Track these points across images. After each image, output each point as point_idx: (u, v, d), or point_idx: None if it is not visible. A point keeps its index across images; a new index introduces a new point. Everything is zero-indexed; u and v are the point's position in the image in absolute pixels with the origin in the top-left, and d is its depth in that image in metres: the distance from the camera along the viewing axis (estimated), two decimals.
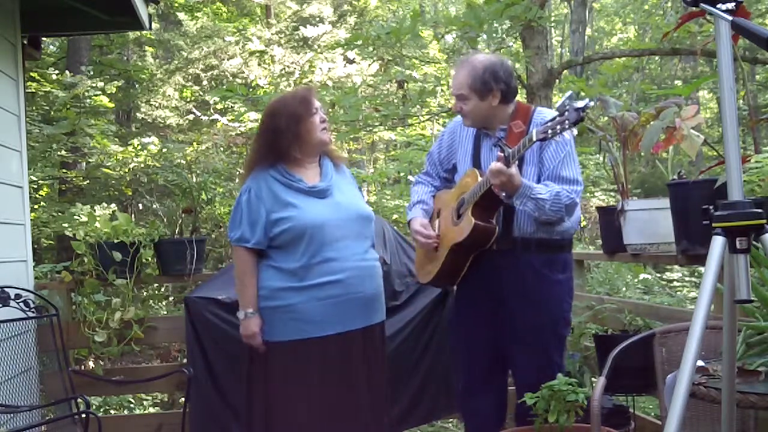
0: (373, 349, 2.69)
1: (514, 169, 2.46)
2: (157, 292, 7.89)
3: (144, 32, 6.93)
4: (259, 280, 2.63)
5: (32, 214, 5.68)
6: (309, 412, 2.56)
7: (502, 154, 2.47)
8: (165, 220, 8.40)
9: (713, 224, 1.50)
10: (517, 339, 2.68)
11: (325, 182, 2.69)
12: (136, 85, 10.68)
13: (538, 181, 2.62)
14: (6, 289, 3.14)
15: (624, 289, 7.77)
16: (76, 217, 5.92)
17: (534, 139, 2.39)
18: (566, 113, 2.30)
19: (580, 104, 2.28)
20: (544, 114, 2.73)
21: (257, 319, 2.61)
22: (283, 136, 2.63)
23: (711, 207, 1.52)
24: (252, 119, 8.47)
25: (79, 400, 2.86)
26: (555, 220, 2.61)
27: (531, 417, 2.43)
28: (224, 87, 8.82)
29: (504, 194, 2.56)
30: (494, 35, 7.01)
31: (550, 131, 2.35)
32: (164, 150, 8.44)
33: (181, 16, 10.10)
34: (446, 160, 2.92)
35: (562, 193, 2.58)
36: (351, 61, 9.87)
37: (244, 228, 2.62)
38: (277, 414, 2.58)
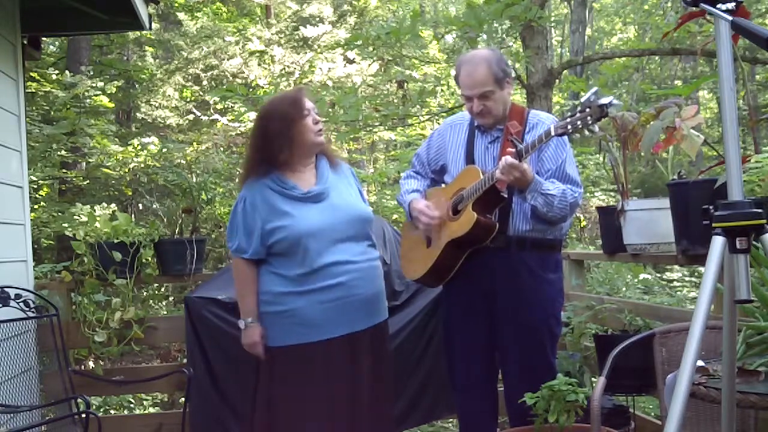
0: (378, 348, 2.67)
1: (526, 165, 2.47)
2: (157, 292, 7.89)
3: (144, 32, 6.92)
4: (261, 285, 2.61)
5: (32, 214, 5.68)
6: (315, 416, 2.54)
7: (513, 150, 2.47)
8: (165, 220, 8.40)
9: (713, 224, 1.49)
10: (512, 338, 2.68)
11: (321, 185, 2.65)
12: (136, 85, 10.67)
13: None
14: (6, 289, 3.14)
15: (624, 289, 7.77)
16: (76, 217, 5.91)
17: (553, 133, 2.38)
18: (589, 109, 2.29)
19: (604, 100, 2.26)
20: (539, 116, 2.76)
21: (258, 328, 2.60)
22: (274, 141, 2.58)
23: (711, 207, 1.52)
24: (252, 119, 8.46)
25: (79, 400, 2.86)
26: (558, 218, 2.62)
27: (527, 416, 2.43)
28: (224, 87, 8.82)
29: (507, 190, 2.57)
30: (494, 35, 7.02)
31: (570, 126, 2.33)
32: (164, 150, 8.44)
33: (181, 16, 10.08)
34: (434, 161, 2.92)
35: (567, 192, 2.60)
36: (351, 61, 9.86)
37: (240, 238, 2.60)
38: (282, 418, 2.56)
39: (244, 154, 3.23)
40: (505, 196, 2.60)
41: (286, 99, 2.70)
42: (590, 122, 2.29)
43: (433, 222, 2.74)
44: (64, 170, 8.73)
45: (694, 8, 1.53)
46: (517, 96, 9.12)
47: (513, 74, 2.76)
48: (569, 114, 2.36)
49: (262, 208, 2.59)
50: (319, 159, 2.73)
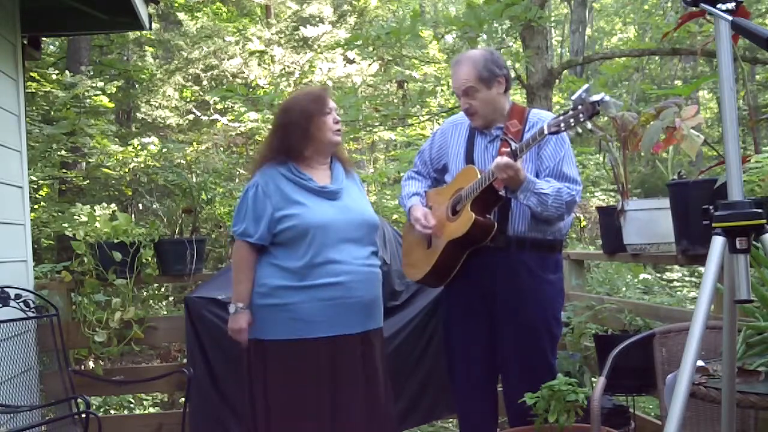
0: (371, 354, 2.67)
1: (520, 164, 2.47)
2: (157, 292, 7.89)
3: (144, 32, 6.92)
4: (260, 277, 2.62)
5: (32, 214, 5.67)
6: (306, 412, 2.55)
7: (508, 149, 2.47)
8: (165, 220, 8.40)
9: (713, 224, 1.49)
10: (511, 338, 2.68)
11: (336, 185, 2.69)
12: (136, 85, 10.67)
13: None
14: (6, 289, 3.14)
15: (624, 289, 7.76)
16: (76, 217, 5.90)
17: (546, 132, 2.38)
18: (581, 106, 2.29)
19: (596, 98, 2.27)
20: (540, 115, 2.75)
21: (247, 315, 2.61)
22: (293, 133, 2.64)
23: (711, 207, 1.52)
24: (252, 119, 8.46)
25: (79, 400, 2.86)
26: (555, 217, 2.62)
27: (527, 416, 2.43)
28: (224, 87, 8.82)
29: (504, 190, 2.57)
30: (494, 35, 7.02)
31: (563, 124, 2.33)
32: (164, 150, 8.42)
33: (181, 16, 10.08)
34: (436, 160, 2.92)
35: (563, 190, 2.59)
36: (351, 61, 9.86)
37: (248, 222, 2.62)
38: (277, 412, 2.57)
39: (262, 144, 3.25)
40: (503, 195, 2.60)
41: (310, 94, 2.75)
42: (582, 119, 2.30)
43: (426, 231, 2.75)
44: (64, 170, 8.72)
45: (694, 8, 1.53)
46: (517, 96, 9.12)
47: (508, 75, 2.73)
48: (562, 112, 2.36)
49: (275, 195, 2.61)
50: (335, 162, 2.77)
